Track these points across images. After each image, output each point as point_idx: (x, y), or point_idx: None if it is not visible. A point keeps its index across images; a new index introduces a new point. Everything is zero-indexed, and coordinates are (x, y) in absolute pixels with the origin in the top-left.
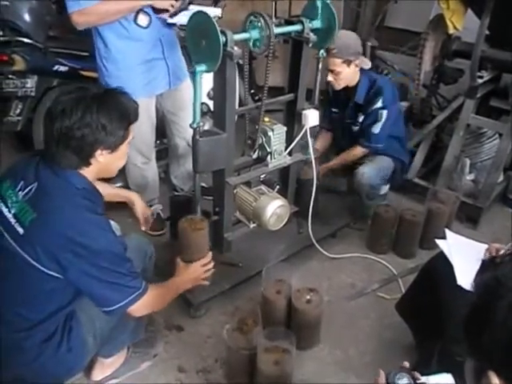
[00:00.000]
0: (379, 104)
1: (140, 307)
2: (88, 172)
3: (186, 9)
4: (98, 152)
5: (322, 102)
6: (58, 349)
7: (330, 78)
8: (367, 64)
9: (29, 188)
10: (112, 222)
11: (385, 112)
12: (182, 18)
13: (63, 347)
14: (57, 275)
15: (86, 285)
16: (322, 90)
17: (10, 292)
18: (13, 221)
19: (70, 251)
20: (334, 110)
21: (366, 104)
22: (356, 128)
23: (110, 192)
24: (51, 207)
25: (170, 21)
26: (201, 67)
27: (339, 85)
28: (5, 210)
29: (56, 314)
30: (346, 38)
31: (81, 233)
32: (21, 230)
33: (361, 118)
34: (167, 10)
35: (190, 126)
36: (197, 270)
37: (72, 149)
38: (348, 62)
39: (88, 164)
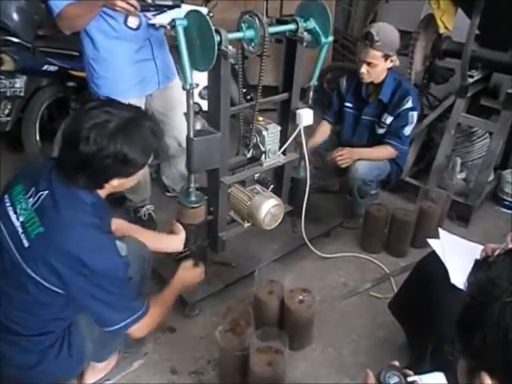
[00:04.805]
0: (409, 104)
1: (141, 328)
2: (100, 191)
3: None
4: (115, 180)
5: (326, 95)
6: (59, 355)
7: (363, 69)
8: (398, 62)
9: (39, 195)
10: (118, 243)
11: (415, 114)
12: (163, 19)
13: (64, 353)
14: (58, 290)
15: (86, 303)
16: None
17: (12, 302)
18: (20, 230)
19: (73, 269)
20: (347, 104)
21: (392, 104)
22: (381, 130)
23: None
24: (59, 223)
25: (151, 22)
26: (181, 22)
27: (369, 78)
28: (13, 216)
29: (58, 327)
30: (390, 32)
31: (86, 252)
32: (26, 243)
33: (388, 120)
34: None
35: (183, 87)
36: (194, 272)
37: (88, 175)
38: (386, 57)
39: (101, 188)
